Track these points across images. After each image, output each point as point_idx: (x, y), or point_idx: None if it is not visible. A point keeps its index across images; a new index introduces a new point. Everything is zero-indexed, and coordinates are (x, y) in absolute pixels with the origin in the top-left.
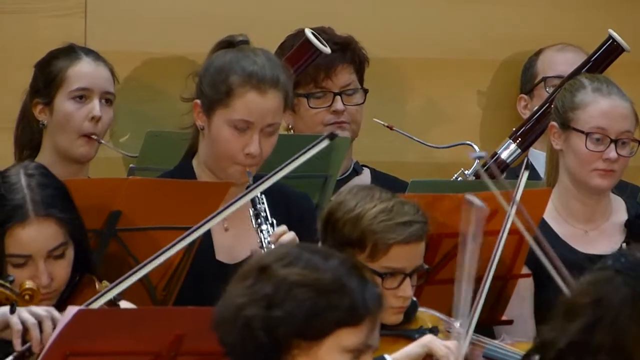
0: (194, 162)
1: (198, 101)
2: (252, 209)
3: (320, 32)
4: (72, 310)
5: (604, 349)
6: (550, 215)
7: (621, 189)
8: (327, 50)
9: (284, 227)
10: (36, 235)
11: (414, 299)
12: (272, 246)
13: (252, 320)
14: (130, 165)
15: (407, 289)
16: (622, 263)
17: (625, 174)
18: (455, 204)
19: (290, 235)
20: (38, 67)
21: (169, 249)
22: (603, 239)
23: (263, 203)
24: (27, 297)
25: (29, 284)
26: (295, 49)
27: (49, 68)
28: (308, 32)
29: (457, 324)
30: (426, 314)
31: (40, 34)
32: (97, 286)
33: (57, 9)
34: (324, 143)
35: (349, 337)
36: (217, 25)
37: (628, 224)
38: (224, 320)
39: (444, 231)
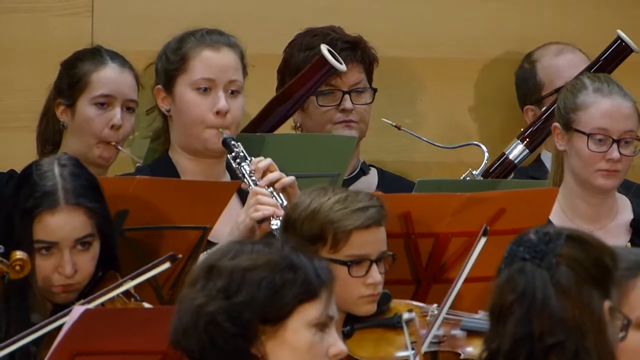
0: (170, 152)
1: (159, 85)
2: (230, 155)
3: (330, 31)
4: (78, 309)
5: (547, 333)
6: (556, 215)
7: (627, 188)
8: (343, 67)
9: (261, 157)
10: (64, 223)
11: (387, 291)
12: (254, 177)
13: (215, 315)
14: (137, 164)
15: (376, 275)
16: (524, 250)
17: (631, 174)
18: (462, 203)
19: (268, 160)
20: (63, 66)
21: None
22: (609, 238)
23: (239, 147)
24: (17, 267)
25: (19, 254)
26: (311, 66)
27: (73, 70)
28: (324, 49)
29: (433, 307)
30: (401, 304)
31: (49, 33)
32: None
33: (65, 8)
34: (165, 265)
35: (310, 312)
36: (225, 24)
37: (634, 224)
38: (185, 328)
39: (451, 230)
